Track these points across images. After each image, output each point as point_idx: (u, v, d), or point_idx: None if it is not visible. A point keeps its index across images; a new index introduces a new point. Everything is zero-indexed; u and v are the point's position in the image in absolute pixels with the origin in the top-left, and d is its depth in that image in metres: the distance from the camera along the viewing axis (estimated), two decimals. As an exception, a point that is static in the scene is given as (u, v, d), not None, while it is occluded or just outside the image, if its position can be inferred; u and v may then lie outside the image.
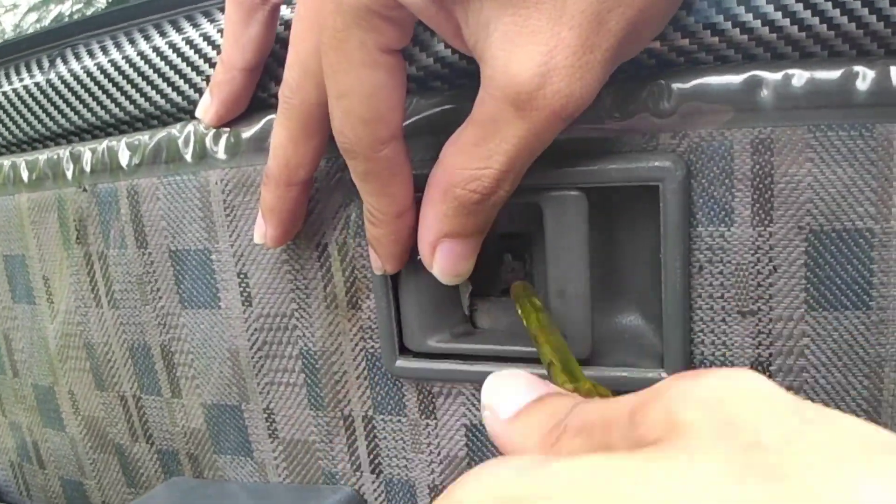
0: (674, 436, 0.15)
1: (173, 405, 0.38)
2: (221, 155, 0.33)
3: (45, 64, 0.38)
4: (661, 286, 0.27)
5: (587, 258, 0.27)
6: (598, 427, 0.18)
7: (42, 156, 0.39)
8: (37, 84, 0.38)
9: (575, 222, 0.26)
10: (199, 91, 0.33)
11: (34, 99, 0.38)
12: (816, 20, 0.24)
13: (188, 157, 0.33)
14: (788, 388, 0.26)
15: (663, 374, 0.27)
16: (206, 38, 0.33)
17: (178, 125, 0.34)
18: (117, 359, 0.39)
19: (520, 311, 0.28)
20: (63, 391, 0.43)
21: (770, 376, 0.26)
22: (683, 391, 0.16)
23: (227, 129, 0.32)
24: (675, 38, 0.25)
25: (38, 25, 0.45)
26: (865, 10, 0.23)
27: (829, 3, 0.23)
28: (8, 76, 0.40)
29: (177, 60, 0.34)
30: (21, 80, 0.39)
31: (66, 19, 0.43)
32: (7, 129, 0.40)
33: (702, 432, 0.14)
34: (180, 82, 0.34)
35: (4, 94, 0.39)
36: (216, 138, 0.33)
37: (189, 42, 0.33)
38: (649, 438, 0.15)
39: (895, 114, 0.23)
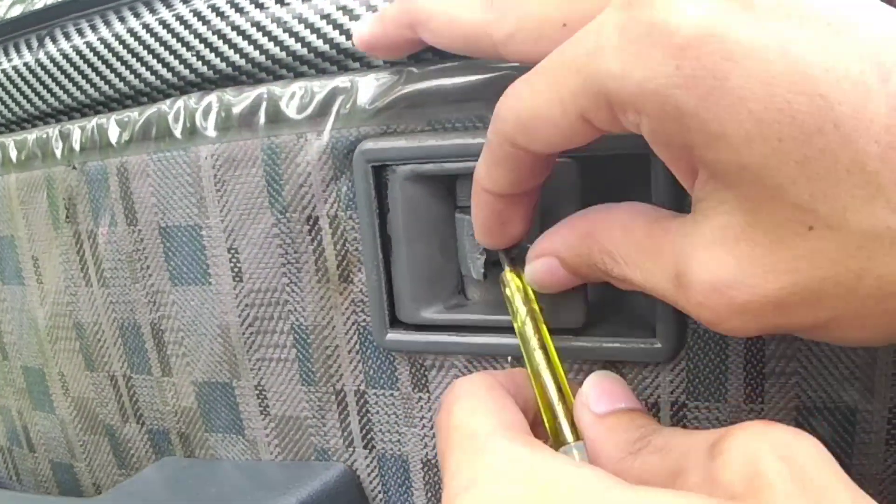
0: (754, 492, 0.16)
1: (164, 384, 0.38)
2: (211, 132, 0.32)
3: (34, 44, 0.38)
4: None
5: None
6: (676, 451, 0.19)
7: (31, 135, 0.39)
8: (26, 64, 0.38)
9: (567, 190, 0.26)
10: (189, 66, 0.33)
11: (23, 79, 0.38)
12: None
13: (178, 134, 0.33)
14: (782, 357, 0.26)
15: (656, 345, 0.27)
16: (197, 13, 0.33)
17: (168, 101, 0.34)
18: (107, 338, 0.39)
19: (519, 311, 0.26)
20: (53, 373, 0.43)
21: (763, 345, 0.27)
22: (760, 437, 0.17)
23: (217, 105, 0.32)
24: None
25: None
26: None
27: None
28: (-4, 57, 0.39)
29: (166, 36, 0.33)
30: (10, 60, 0.39)
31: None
32: (-4, 109, 0.40)
33: (780, 490, 0.16)
34: (170, 58, 0.34)
35: None
36: (206, 114, 0.33)
37: (179, 18, 0.33)
38: (726, 479, 0.17)
39: None
